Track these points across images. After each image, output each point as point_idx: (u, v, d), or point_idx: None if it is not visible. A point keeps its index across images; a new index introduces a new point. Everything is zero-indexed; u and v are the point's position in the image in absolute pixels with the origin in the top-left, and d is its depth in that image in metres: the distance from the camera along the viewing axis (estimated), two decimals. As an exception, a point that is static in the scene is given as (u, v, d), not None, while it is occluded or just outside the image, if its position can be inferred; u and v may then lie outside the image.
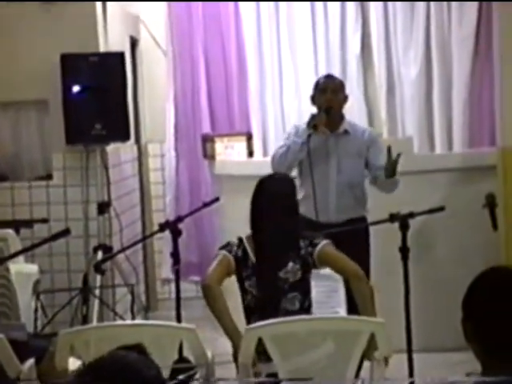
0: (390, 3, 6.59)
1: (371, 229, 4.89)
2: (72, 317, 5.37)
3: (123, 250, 5.02)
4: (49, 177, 5.88)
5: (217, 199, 4.84)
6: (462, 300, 2.10)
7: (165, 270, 7.13)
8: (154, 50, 7.10)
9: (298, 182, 4.63)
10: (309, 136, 4.78)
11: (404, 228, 4.28)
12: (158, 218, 6.95)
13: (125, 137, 5.75)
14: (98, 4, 5.80)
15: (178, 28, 6.96)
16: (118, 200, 6.01)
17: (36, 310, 5.02)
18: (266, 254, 3.87)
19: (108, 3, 5.93)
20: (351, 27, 6.68)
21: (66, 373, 3.44)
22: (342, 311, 4.22)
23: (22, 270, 5.12)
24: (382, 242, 4.96)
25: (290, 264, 3.85)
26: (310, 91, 5.25)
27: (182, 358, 3.85)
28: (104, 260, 5.12)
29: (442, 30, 6.49)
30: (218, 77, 6.97)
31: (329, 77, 5.23)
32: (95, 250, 5.61)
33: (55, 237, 4.30)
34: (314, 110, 5.00)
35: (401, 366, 4.11)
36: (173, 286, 6.90)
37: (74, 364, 3.57)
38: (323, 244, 3.89)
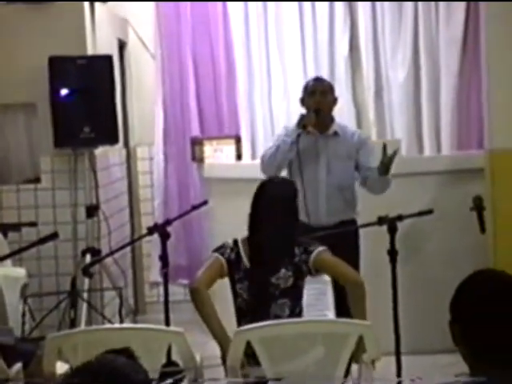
0: (378, 4, 6.60)
1: (360, 231, 4.89)
2: (60, 320, 5.35)
3: (112, 253, 5.01)
4: (37, 180, 5.86)
5: (205, 202, 4.84)
6: (450, 303, 2.11)
7: (153, 274, 7.11)
8: (142, 52, 7.09)
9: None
10: (298, 136, 4.79)
11: (392, 231, 4.29)
12: (146, 221, 6.94)
13: (113, 140, 5.74)
14: (86, 6, 5.79)
15: (166, 30, 6.95)
16: (106, 203, 5.99)
17: (24, 314, 5.00)
18: (259, 258, 3.86)
19: (96, 6, 5.91)
20: (339, 28, 6.69)
21: (53, 377, 3.43)
22: (331, 314, 4.22)
23: (10, 273, 5.10)
24: (371, 244, 4.97)
25: (283, 270, 3.84)
26: (298, 93, 5.25)
27: (170, 362, 3.84)
28: (92, 263, 5.11)
29: (429, 31, 6.51)
30: (207, 79, 6.96)
31: (318, 79, 5.24)
32: (83, 253, 5.59)
33: (43, 240, 4.30)
34: (303, 111, 5.01)
35: (389, 368, 4.12)
36: (161, 289, 6.89)
37: (61, 368, 3.56)
38: (319, 251, 3.87)
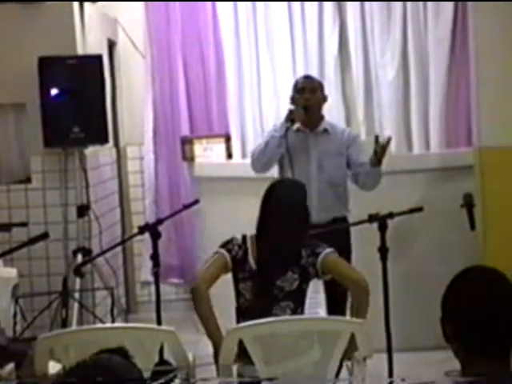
0: (366, 4, 6.61)
1: (351, 228, 4.91)
2: (51, 321, 5.35)
3: (103, 252, 5.01)
4: (27, 180, 5.86)
5: (196, 201, 4.85)
6: (441, 300, 2.12)
7: (144, 273, 7.12)
8: (131, 52, 7.08)
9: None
10: (287, 130, 4.79)
11: (383, 228, 4.31)
12: (137, 221, 6.94)
13: (103, 139, 5.74)
14: (76, 7, 5.78)
15: (155, 30, 6.95)
16: (97, 203, 5.99)
17: (15, 315, 4.99)
18: (267, 261, 3.82)
19: (86, 6, 5.91)
20: (329, 28, 6.70)
21: (45, 377, 3.43)
22: (322, 312, 4.24)
23: (1, 274, 5.10)
24: (361, 242, 4.99)
25: (289, 273, 3.82)
26: (288, 92, 5.27)
27: (162, 361, 3.85)
28: (84, 263, 5.11)
29: (418, 30, 6.53)
30: (196, 79, 6.96)
31: (307, 77, 5.28)
32: (74, 253, 5.59)
33: (34, 240, 4.30)
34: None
35: (381, 365, 4.14)
36: (152, 288, 6.93)
37: (53, 368, 3.56)
38: (326, 252, 3.84)
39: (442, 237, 5.66)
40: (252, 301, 3.82)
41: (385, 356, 4.31)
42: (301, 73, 6.53)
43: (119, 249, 6.48)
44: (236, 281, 3.88)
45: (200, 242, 6.36)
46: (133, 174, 7.22)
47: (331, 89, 6.63)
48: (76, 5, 5.79)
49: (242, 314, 3.85)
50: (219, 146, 6.45)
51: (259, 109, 6.80)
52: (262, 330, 3.54)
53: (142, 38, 7.01)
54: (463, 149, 6.16)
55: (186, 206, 4.77)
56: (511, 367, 2.05)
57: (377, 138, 4.73)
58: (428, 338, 5.29)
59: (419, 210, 4.42)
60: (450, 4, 6.41)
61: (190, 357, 3.62)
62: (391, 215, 4.31)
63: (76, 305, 5.40)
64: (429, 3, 6.48)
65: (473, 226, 4.85)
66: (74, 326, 5.22)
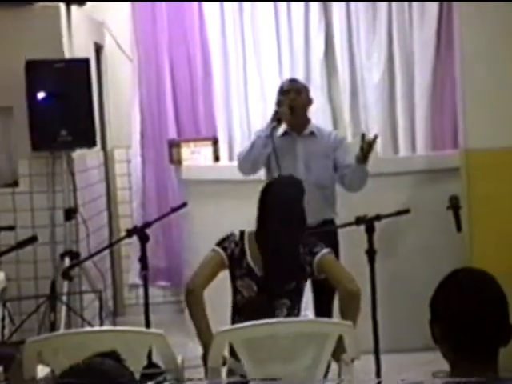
0: (352, 7, 6.64)
1: (338, 231, 4.93)
2: (39, 324, 5.34)
3: (91, 256, 5.02)
4: (15, 184, 5.85)
5: (184, 204, 4.86)
6: (430, 301, 2.14)
7: (132, 276, 7.13)
8: (118, 55, 7.08)
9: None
10: (273, 129, 4.80)
11: (370, 231, 4.33)
12: (124, 224, 6.95)
13: (91, 143, 5.74)
14: (63, 10, 5.78)
15: (142, 33, 6.96)
16: (84, 206, 5.99)
17: (3, 318, 4.99)
18: (267, 258, 3.80)
19: (72, 9, 5.91)
20: (314, 31, 6.72)
21: (34, 380, 3.43)
22: (310, 313, 4.25)
23: (-11, 277, 5.09)
24: (349, 244, 5.00)
25: (288, 271, 3.80)
26: (274, 95, 5.28)
27: (151, 364, 3.86)
28: (72, 266, 5.11)
29: (403, 32, 6.56)
30: (183, 82, 6.98)
31: (292, 80, 5.30)
32: (62, 256, 5.59)
33: (22, 244, 4.30)
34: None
35: (368, 366, 4.16)
36: (140, 291, 6.93)
37: (42, 372, 3.56)
38: (324, 253, 3.85)
39: (428, 238, 5.69)
40: (249, 298, 3.80)
41: (372, 357, 4.33)
42: (287, 75, 6.55)
43: (107, 252, 6.48)
44: (233, 278, 3.85)
45: (188, 244, 6.37)
46: (120, 177, 7.22)
47: (317, 91, 6.66)
48: (63, 8, 5.79)
49: (239, 312, 3.84)
50: (206, 149, 6.46)
51: (246, 111, 6.81)
52: (251, 332, 3.55)
53: (128, 42, 7.01)
54: (449, 151, 6.20)
55: (174, 209, 4.79)
56: (499, 369, 2.07)
57: (363, 135, 4.75)
58: (415, 339, 5.32)
59: (406, 212, 4.44)
60: (435, 5, 6.45)
61: (179, 359, 3.62)
62: (378, 217, 4.33)
63: (64, 308, 5.39)
64: (414, 4, 6.52)
65: (459, 228, 4.88)
66: (61, 330, 5.22)
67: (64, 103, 5.51)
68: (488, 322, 2.08)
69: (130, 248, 6.81)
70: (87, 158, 6.26)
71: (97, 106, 6.21)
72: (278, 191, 3.95)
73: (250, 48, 6.77)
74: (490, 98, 4.71)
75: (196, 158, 6.43)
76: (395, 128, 6.68)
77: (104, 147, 6.96)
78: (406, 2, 6.52)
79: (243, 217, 3.98)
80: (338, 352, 3.60)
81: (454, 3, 5.11)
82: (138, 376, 3.16)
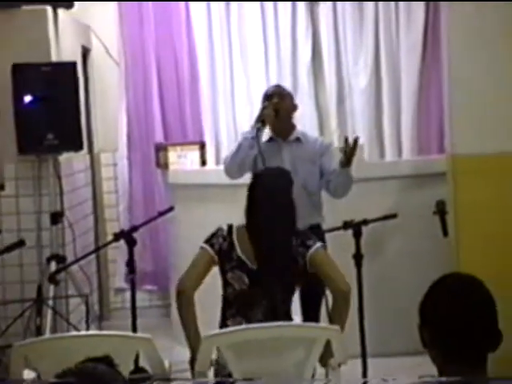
0: (339, 12, 6.66)
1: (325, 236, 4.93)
2: (24, 328, 5.32)
3: (78, 260, 5.01)
4: (1, 187, 5.82)
5: (171, 208, 4.86)
6: (419, 306, 2.15)
7: (118, 280, 7.11)
8: (105, 59, 7.08)
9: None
10: (258, 130, 4.79)
11: (357, 235, 4.35)
12: (111, 228, 6.94)
13: (78, 146, 5.72)
14: (50, 13, 5.77)
15: (129, 37, 6.95)
16: (70, 210, 5.97)
17: (-11, 322, 4.97)
18: (258, 250, 3.77)
19: (59, 13, 5.90)
20: (302, 36, 6.74)
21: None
22: (298, 318, 4.26)
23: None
24: (336, 248, 5.01)
25: (280, 262, 3.77)
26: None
27: (138, 368, 3.85)
28: (59, 270, 5.09)
29: (390, 38, 6.60)
30: (170, 85, 6.98)
31: (277, 85, 5.31)
32: (48, 260, 5.56)
33: (10, 248, 4.28)
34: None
35: (355, 370, 4.17)
36: (126, 295, 6.93)
37: (28, 376, 3.55)
38: (317, 247, 3.81)
39: (414, 243, 5.71)
40: (241, 290, 3.76)
41: (359, 361, 4.34)
42: (274, 80, 6.57)
43: (93, 255, 6.46)
44: (223, 272, 3.81)
45: (174, 248, 6.37)
46: (106, 181, 7.20)
47: (304, 96, 6.68)
48: (50, 12, 5.77)
49: (230, 304, 3.80)
50: (193, 153, 6.46)
51: (233, 116, 6.83)
52: (238, 337, 3.55)
53: (115, 45, 7.00)
54: (435, 156, 6.23)
55: (161, 213, 4.79)
56: (488, 374, 2.08)
57: (346, 139, 4.77)
58: (402, 343, 5.35)
59: (393, 216, 4.47)
60: (421, 10, 6.49)
61: (167, 364, 3.62)
62: (366, 222, 4.35)
63: (50, 312, 5.37)
64: (400, 9, 6.55)
65: (445, 233, 4.91)
66: (47, 333, 5.20)
67: (51, 107, 5.50)
68: (476, 326, 2.09)
69: (117, 252, 6.80)
70: (73, 162, 6.25)
71: (83, 110, 6.20)
72: (266, 181, 3.94)
73: (237, 54, 6.78)
74: (477, 103, 4.73)
75: (183, 161, 6.43)
76: (381, 133, 6.71)
77: (90, 151, 6.95)
78: (392, 8, 6.56)
79: (230, 221, 3.97)
80: (326, 357, 3.61)
81: (442, 4, 5.12)
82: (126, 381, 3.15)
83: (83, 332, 5.08)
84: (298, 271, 3.80)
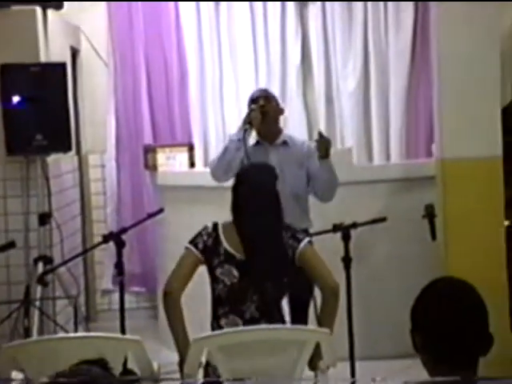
0: (328, 15, 6.68)
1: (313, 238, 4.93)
2: (11, 330, 5.30)
3: (67, 261, 4.99)
4: (-12, 188, 5.80)
5: (161, 210, 4.85)
6: (411, 311, 2.15)
7: (105, 281, 7.10)
8: (94, 60, 7.06)
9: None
10: (245, 131, 4.79)
11: (346, 238, 4.36)
12: (98, 229, 6.93)
13: (66, 147, 5.71)
14: (39, 14, 5.75)
15: (118, 38, 6.94)
16: (58, 211, 5.96)
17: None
18: (248, 244, 3.77)
19: (48, 13, 5.88)
20: (291, 38, 6.75)
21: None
22: (286, 318, 4.24)
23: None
24: (324, 251, 5.02)
25: (270, 254, 3.76)
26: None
27: (126, 371, 3.84)
28: (47, 271, 5.08)
29: (379, 41, 6.62)
30: (159, 87, 6.97)
31: (262, 89, 5.32)
32: (36, 261, 5.54)
33: (1, 249, 4.25)
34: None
35: (343, 373, 4.18)
36: (113, 296, 6.91)
37: (16, 377, 3.54)
38: (306, 243, 3.81)
39: (403, 246, 5.72)
40: (231, 285, 3.74)
41: (347, 364, 4.35)
42: (263, 82, 6.59)
43: (80, 257, 6.45)
44: (211, 269, 3.79)
45: (162, 250, 6.36)
46: (94, 182, 7.19)
47: (293, 99, 6.70)
48: (39, 12, 5.76)
49: (221, 302, 3.78)
50: (182, 155, 6.46)
51: (222, 118, 6.83)
52: (228, 339, 3.55)
53: (104, 46, 6.99)
54: (423, 159, 6.25)
55: (151, 215, 4.78)
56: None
57: (320, 133, 4.81)
58: (391, 346, 5.36)
59: (383, 220, 4.48)
60: (411, 12, 6.52)
61: (156, 366, 3.62)
62: (355, 225, 4.36)
63: (37, 313, 5.36)
64: (389, 11, 6.57)
65: (434, 237, 4.92)
66: (34, 335, 5.18)
67: (39, 107, 5.48)
68: (467, 331, 2.10)
69: (103, 253, 6.79)
70: (61, 163, 6.23)
71: (72, 111, 6.19)
72: (252, 175, 3.95)
73: (227, 55, 6.78)
74: (467, 107, 4.74)
75: (171, 163, 6.42)
76: (370, 136, 6.73)
77: (78, 152, 6.93)
78: (381, 8, 6.58)
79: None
80: (315, 359, 3.61)
81: (431, 4, 5.12)
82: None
83: (72, 334, 5.07)
84: (287, 263, 3.79)
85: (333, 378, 3.76)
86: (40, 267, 5.46)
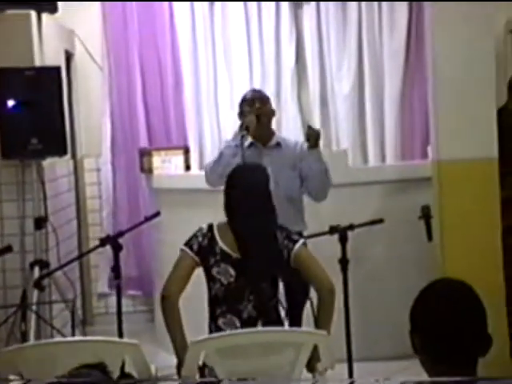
0: (323, 17, 6.69)
1: (308, 240, 4.93)
2: (8, 334, 5.29)
3: (64, 265, 4.98)
4: (-16, 192, 5.80)
5: (158, 213, 4.85)
6: (410, 312, 2.16)
7: (101, 285, 7.09)
8: (89, 63, 7.06)
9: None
10: (242, 137, 4.79)
11: (343, 240, 4.36)
12: (94, 233, 6.93)
13: (62, 151, 5.70)
14: (33, 17, 5.75)
15: (113, 42, 6.94)
16: (54, 215, 5.95)
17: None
18: (242, 244, 3.78)
19: (43, 17, 5.88)
20: (286, 40, 6.76)
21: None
22: (285, 323, 4.25)
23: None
24: (321, 253, 5.02)
25: (265, 253, 3.77)
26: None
27: (124, 374, 3.83)
28: (44, 276, 5.07)
29: (373, 43, 6.63)
30: (154, 90, 6.96)
31: (255, 90, 5.30)
32: (32, 265, 5.54)
33: (-3, 254, 4.24)
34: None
35: (341, 375, 4.18)
36: (109, 300, 6.90)
37: (14, 382, 3.53)
38: (301, 244, 3.82)
39: (399, 247, 5.73)
40: (228, 285, 3.75)
41: (345, 365, 4.35)
42: (258, 84, 6.59)
43: (76, 261, 6.44)
44: (207, 269, 3.80)
45: (158, 253, 6.35)
46: (90, 186, 7.18)
47: (288, 101, 6.71)
48: (34, 16, 5.75)
49: (218, 302, 3.78)
50: (177, 158, 6.45)
51: (217, 120, 6.83)
52: (225, 342, 3.55)
53: (99, 49, 6.99)
54: (418, 161, 6.26)
55: (148, 219, 4.78)
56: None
57: (309, 126, 4.84)
58: (388, 347, 5.37)
59: (380, 221, 4.48)
60: (405, 14, 6.54)
61: (153, 369, 3.62)
62: (352, 227, 4.36)
63: (34, 317, 5.35)
64: (383, 13, 6.58)
65: (430, 238, 4.93)
66: (32, 339, 5.18)
67: (34, 111, 5.47)
68: (466, 331, 2.10)
69: (99, 257, 6.78)
70: (57, 167, 6.23)
71: (67, 114, 6.18)
72: (244, 175, 3.96)
73: (221, 56, 6.79)
74: (462, 108, 4.75)
75: (167, 166, 6.42)
76: (365, 138, 6.74)
77: (74, 156, 6.93)
78: (375, 8, 6.60)
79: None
80: (313, 362, 3.61)
81: (425, 4, 5.13)
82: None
83: (69, 338, 5.06)
84: (282, 263, 3.80)
85: (331, 380, 3.76)
86: (36, 271, 5.46)
